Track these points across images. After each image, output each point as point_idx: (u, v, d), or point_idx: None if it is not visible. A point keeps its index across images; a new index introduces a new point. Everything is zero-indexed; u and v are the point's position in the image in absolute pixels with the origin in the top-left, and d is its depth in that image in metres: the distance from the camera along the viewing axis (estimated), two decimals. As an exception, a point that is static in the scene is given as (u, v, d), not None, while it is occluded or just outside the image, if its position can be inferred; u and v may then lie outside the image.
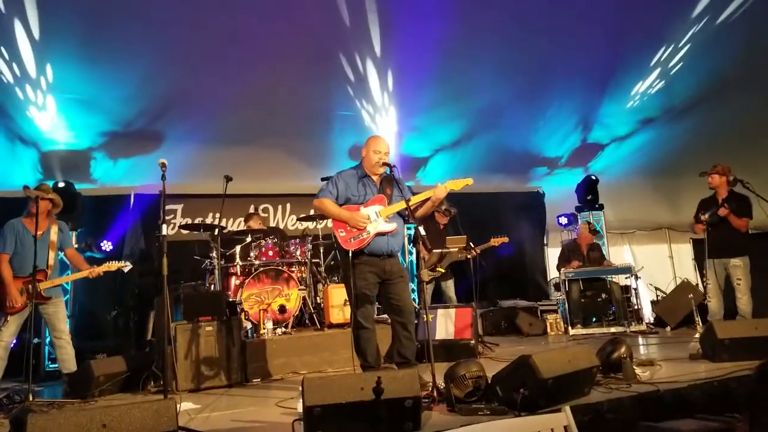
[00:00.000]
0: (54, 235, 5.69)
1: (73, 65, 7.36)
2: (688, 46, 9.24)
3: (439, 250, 7.12)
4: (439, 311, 6.54)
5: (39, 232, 5.25)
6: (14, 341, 5.60)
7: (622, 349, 4.49)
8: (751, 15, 8.70)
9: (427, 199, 4.69)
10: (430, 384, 4.07)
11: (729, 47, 9.27)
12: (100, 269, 5.70)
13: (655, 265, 11.20)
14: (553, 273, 10.68)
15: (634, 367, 4.45)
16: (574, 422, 3.33)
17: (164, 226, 4.63)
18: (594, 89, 9.87)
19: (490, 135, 10.06)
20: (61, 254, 6.00)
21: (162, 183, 4.58)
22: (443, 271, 7.59)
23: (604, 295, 8.47)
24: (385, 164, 4.65)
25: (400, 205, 4.62)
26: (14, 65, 7.24)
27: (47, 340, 7.19)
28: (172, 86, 7.87)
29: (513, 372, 3.72)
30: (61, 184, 7.75)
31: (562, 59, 9.04)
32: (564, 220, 10.79)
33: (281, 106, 8.48)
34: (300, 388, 3.23)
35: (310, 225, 8.20)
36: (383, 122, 9.33)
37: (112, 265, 5.75)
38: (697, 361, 5.05)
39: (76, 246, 6.80)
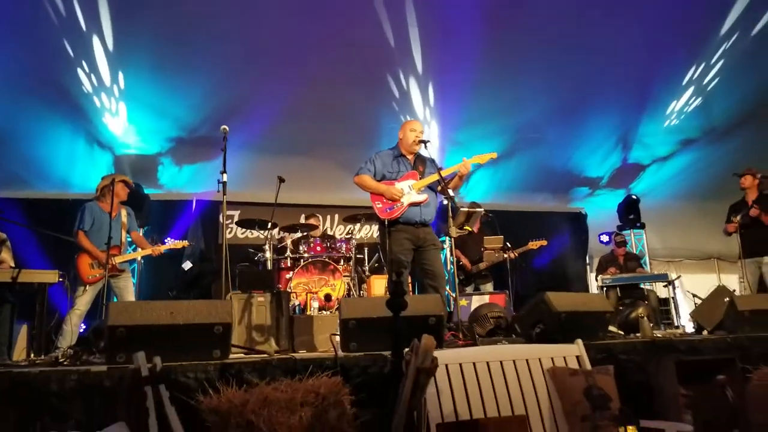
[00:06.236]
0: (124, 217, 6.35)
1: (143, 74, 8.03)
2: (721, 63, 9.31)
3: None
4: (474, 297, 6.92)
5: (113, 213, 5.95)
6: (83, 327, 6.24)
7: (640, 309, 4.80)
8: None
9: (455, 174, 5.22)
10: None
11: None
12: (163, 247, 6.37)
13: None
14: (593, 290, 10.80)
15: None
16: (585, 354, 3.69)
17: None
18: (632, 106, 9.99)
19: (530, 152, 10.24)
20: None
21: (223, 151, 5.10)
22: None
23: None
24: (421, 141, 5.21)
25: (432, 178, 5.16)
26: (92, 76, 7.96)
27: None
28: (232, 96, 8.44)
29: (530, 310, 4.09)
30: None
31: (601, 73, 9.19)
32: (605, 238, 10.87)
33: (331, 119, 8.93)
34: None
35: (356, 228, 8.70)
36: (426, 135, 9.65)
37: (176, 244, 6.39)
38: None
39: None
